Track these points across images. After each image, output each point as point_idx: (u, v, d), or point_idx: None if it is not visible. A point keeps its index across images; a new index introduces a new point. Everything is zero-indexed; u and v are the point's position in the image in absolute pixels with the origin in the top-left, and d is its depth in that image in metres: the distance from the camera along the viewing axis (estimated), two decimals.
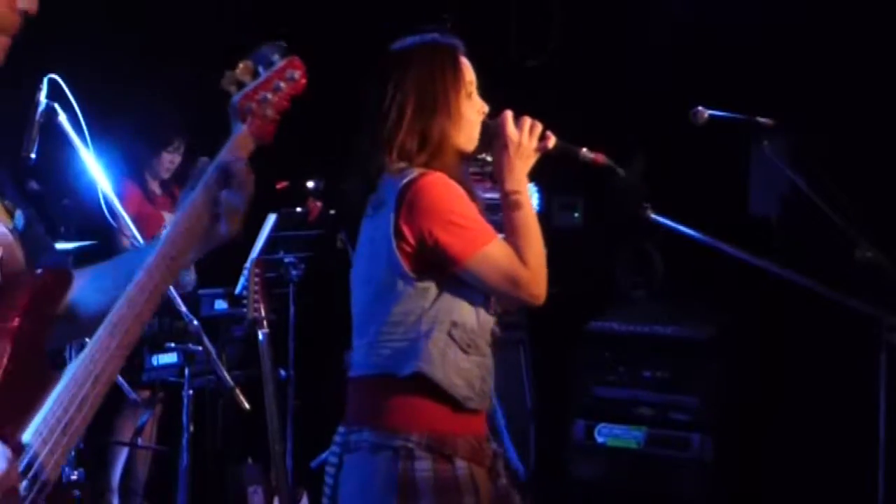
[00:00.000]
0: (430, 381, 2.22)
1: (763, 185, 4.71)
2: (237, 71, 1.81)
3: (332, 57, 5.06)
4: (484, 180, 4.12)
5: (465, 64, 2.40)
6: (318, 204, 4.71)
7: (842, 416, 4.14)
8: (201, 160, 1.72)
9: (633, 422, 4.43)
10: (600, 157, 2.37)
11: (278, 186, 4.86)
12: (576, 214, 5.36)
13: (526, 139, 2.31)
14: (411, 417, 2.23)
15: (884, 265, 2.89)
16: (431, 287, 2.25)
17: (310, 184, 4.74)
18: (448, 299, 2.25)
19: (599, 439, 4.46)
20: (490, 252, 2.23)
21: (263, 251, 4.41)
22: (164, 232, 1.68)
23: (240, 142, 1.75)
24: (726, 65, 4.59)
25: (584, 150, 2.37)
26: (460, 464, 2.23)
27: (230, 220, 1.68)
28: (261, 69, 1.83)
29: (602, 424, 4.47)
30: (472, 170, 2.53)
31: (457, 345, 2.24)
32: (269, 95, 1.80)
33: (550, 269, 2.34)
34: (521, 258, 2.25)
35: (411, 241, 2.23)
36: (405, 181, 2.24)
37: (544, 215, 4.93)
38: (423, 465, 2.19)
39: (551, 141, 2.34)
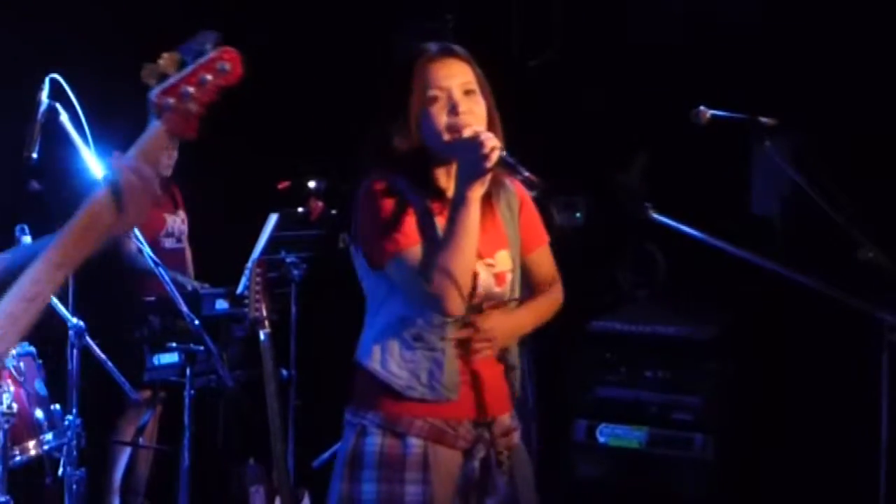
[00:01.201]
0: (369, 372, 2.38)
1: (765, 184, 4.71)
2: (161, 62, 1.71)
3: (334, 56, 5.06)
4: None
5: (431, 69, 2.36)
6: (320, 204, 4.72)
7: (844, 417, 4.14)
8: (113, 155, 1.64)
9: (634, 422, 4.41)
10: (534, 178, 2.31)
11: (280, 186, 4.86)
12: (577, 214, 5.35)
13: (474, 158, 2.26)
14: (370, 400, 2.39)
15: (885, 265, 2.89)
16: (385, 283, 2.38)
17: (311, 183, 4.74)
18: (399, 294, 2.36)
19: (601, 439, 4.45)
20: (399, 261, 2.31)
21: (265, 251, 4.41)
22: (54, 236, 1.60)
23: (154, 139, 1.67)
24: (727, 64, 4.59)
25: (522, 169, 2.27)
26: (413, 441, 2.35)
27: (131, 215, 1.62)
28: (189, 60, 1.72)
29: (604, 424, 4.46)
30: None
31: (400, 338, 2.36)
32: (192, 90, 1.69)
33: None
34: (426, 273, 2.26)
35: (356, 244, 2.41)
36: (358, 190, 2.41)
37: (546, 215, 4.92)
38: (372, 441, 2.37)
39: (492, 159, 2.25)
